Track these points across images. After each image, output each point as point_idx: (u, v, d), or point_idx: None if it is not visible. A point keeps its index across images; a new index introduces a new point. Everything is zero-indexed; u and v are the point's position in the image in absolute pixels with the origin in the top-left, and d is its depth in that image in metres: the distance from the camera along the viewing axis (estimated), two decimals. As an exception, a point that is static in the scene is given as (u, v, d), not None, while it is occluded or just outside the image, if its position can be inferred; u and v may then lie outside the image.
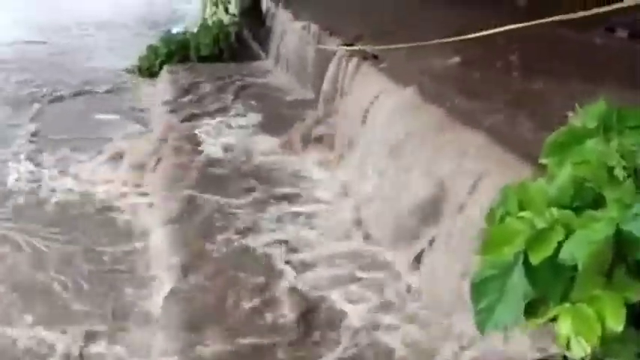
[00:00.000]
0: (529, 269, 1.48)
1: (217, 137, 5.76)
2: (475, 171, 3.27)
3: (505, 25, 3.06)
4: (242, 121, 6.28)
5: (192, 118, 6.32)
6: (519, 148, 3.10)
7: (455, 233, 3.29)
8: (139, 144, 5.90)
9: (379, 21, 6.60)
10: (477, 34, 3.31)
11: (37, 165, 5.89)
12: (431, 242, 3.53)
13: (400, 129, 4.12)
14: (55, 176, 5.63)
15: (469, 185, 3.26)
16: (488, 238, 1.54)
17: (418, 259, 3.60)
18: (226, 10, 8.84)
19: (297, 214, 4.39)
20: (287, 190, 4.77)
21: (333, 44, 5.99)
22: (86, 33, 12.62)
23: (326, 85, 5.72)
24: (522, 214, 1.55)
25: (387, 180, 4.12)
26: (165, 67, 8.45)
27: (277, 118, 6.27)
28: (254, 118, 6.33)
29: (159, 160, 5.24)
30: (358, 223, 4.21)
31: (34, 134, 6.71)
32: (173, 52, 8.66)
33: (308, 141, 5.46)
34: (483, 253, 1.54)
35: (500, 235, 1.53)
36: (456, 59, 4.74)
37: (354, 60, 5.32)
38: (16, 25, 12.65)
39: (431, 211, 3.56)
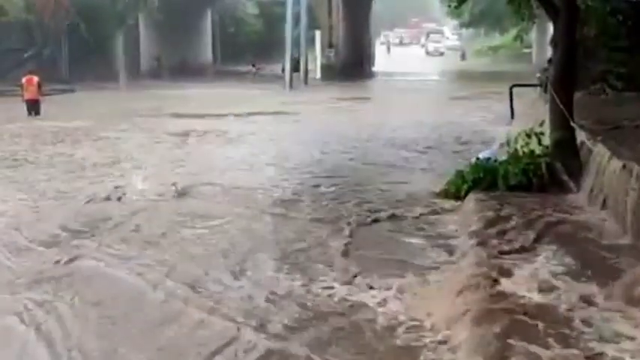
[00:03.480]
0: None
1: (529, 283, 5.52)
2: None
3: None
4: (553, 262, 6.03)
5: (498, 254, 6.24)
6: None
7: None
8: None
9: None
10: None
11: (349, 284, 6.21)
12: None
13: None
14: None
15: None
16: None
17: None
18: (539, 142, 8.77)
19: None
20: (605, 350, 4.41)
21: (659, 192, 5.60)
22: (392, 152, 13.43)
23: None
24: None
25: None
26: (472, 194, 8.57)
27: (591, 262, 5.92)
28: (566, 259, 6.04)
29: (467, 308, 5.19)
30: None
31: (345, 253, 7.15)
32: (481, 179, 8.77)
33: (630, 296, 5.07)
34: None
35: None
36: None
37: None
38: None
39: None
